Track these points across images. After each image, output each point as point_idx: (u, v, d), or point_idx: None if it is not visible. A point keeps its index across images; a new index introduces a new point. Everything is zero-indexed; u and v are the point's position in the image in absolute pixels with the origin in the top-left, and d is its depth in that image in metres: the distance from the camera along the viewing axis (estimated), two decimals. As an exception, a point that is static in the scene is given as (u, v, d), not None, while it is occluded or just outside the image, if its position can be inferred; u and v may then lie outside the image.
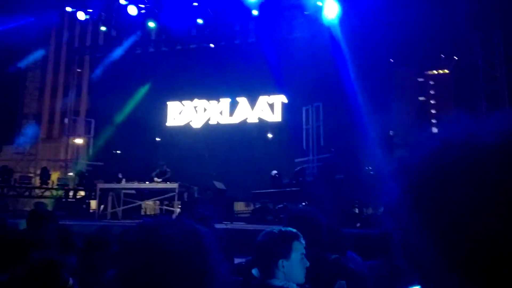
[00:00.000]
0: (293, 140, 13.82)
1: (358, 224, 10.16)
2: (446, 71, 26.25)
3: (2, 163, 21.19)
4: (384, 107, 13.44)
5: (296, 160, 13.41)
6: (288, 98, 14.91)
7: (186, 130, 15.93)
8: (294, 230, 2.19)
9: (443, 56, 24.60)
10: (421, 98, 25.70)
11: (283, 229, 2.23)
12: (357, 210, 12.09)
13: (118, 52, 16.31)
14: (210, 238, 1.03)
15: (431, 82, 27.62)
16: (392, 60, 16.40)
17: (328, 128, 12.97)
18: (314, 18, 13.77)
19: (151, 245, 0.95)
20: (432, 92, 27.29)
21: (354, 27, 12.97)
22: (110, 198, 12.20)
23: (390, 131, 15.19)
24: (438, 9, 14.09)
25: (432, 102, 27.17)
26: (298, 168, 12.74)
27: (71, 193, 14.68)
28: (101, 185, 12.49)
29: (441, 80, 26.86)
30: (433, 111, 26.62)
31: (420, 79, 25.14)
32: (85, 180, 14.38)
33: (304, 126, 13.66)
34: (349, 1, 12.85)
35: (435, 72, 27.26)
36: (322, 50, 13.42)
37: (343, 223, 8.92)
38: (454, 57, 21.76)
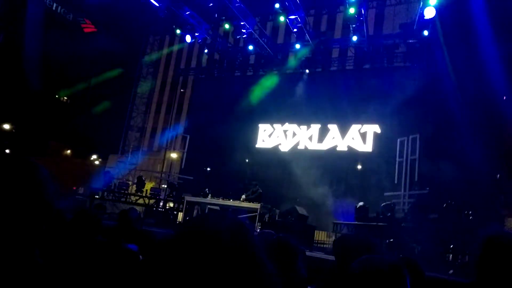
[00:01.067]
0: (383, 172, 13.07)
1: (451, 271, 9.13)
2: None
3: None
4: (492, 147, 12.07)
5: (386, 194, 12.62)
6: (381, 128, 14.26)
7: (274, 153, 16.02)
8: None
9: None
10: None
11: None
12: (451, 256, 10.92)
13: (218, 74, 17.23)
14: (253, 234, 1.04)
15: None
16: (505, 98, 14.84)
17: (424, 162, 12.04)
18: (417, 47, 13.16)
19: (195, 235, 0.97)
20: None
21: (463, 56, 12.04)
22: (195, 211, 12.65)
23: (497, 175, 13.60)
24: None
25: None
26: (387, 202, 11.97)
27: (161, 203, 15.48)
28: (188, 198, 13.04)
29: None
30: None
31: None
32: (175, 192, 15.11)
33: (397, 159, 12.87)
34: (456, 29, 12.06)
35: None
36: (424, 80, 12.68)
37: (433, 267, 8.08)
38: None
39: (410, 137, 12.48)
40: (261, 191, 12.34)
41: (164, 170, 17.91)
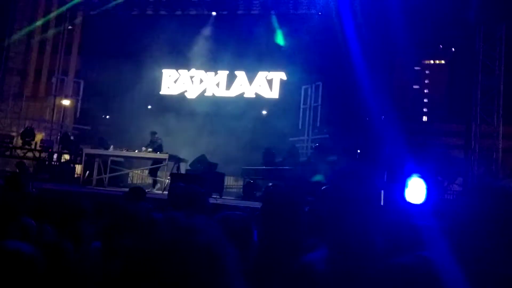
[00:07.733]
0: (289, 118, 13.55)
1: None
2: (443, 61, 26.26)
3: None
4: (381, 92, 13.20)
5: (291, 139, 13.20)
6: (287, 76, 14.56)
7: (180, 100, 15.43)
8: None
9: (441, 46, 24.44)
10: (416, 87, 25.72)
11: None
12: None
13: (113, 11, 15.49)
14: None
15: (427, 72, 27.63)
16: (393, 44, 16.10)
17: (326, 108, 12.73)
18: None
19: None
20: (426, 81, 27.33)
21: (360, 6, 12.56)
22: (96, 165, 11.67)
23: (382, 116, 15.07)
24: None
25: (426, 91, 27.27)
26: (291, 146, 12.56)
27: (55, 156, 14.14)
28: (87, 151, 11.97)
29: (436, 70, 26.90)
30: (425, 100, 26.81)
31: (417, 68, 25.09)
32: (71, 143, 13.88)
33: (301, 106, 13.39)
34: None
35: (431, 62, 27.26)
36: (326, 28, 13.04)
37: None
38: (452, 48, 21.64)
39: (314, 85, 12.99)
40: (161, 142, 11.82)
41: (55, 120, 16.18)
